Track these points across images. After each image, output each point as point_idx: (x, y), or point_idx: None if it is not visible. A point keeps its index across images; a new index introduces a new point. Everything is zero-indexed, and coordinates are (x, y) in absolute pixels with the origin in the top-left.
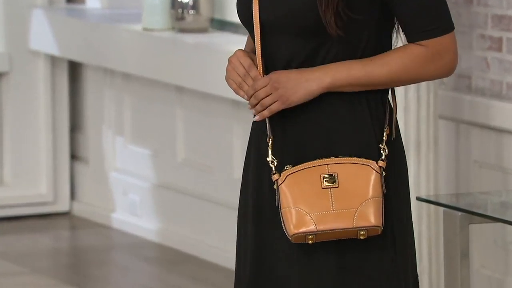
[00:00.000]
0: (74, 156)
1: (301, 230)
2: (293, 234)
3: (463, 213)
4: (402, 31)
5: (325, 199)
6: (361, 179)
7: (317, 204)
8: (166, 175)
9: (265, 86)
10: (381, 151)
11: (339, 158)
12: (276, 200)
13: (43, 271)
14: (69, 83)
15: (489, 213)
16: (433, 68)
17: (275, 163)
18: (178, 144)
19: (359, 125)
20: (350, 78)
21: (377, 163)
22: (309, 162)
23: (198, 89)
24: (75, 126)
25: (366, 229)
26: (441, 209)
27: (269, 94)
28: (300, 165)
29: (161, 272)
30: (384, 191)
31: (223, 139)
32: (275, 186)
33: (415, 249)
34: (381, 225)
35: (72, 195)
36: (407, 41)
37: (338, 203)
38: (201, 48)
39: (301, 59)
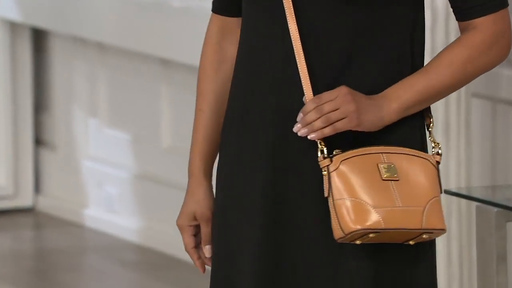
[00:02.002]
0: (39, 141)
1: (366, 225)
2: (352, 232)
3: (500, 209)
4: (452, 7)
5: (388, 193)
6: (422, 174)
7: (381, 198)
8: (148, 164)
9: (332, 100)
10: (432, 143)
11: (393, 147)
12: (326, 190)
13: (3, 277)
14: (33, 54)
15: None
16: (495, 53)
17: (323, 146)
18: (163, 127)
19: (407, 121)
20: (417, 95)
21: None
22: (362, 148)
23: (187, 63)
24: (40, 105)
25: (432, 232)
26: (474, 204)
27: (337, 109)
28: (352, 151)
29: (142, 278)
30: (442, 190)
31: None
32: (324, 173)
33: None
34: (446, 229)
35: (37, 188)
36: (457, 19)
37: (403, 198)
38: (190, 14)
39: (348, 42)
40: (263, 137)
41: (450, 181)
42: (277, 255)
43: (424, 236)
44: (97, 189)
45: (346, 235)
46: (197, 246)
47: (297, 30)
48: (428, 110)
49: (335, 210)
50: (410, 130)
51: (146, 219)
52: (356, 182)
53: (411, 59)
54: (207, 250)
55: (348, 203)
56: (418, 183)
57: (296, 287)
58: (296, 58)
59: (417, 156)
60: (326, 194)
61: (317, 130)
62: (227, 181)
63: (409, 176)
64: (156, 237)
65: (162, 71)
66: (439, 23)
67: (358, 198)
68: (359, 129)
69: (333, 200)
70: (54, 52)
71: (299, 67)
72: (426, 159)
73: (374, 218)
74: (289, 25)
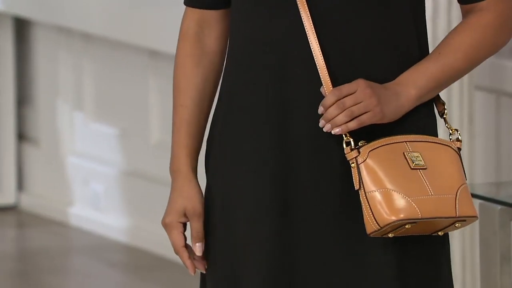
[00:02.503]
0: (21, 136)
1: (401, 216)
2: (388, 224)
3: (504, 207)
4: None
5: (419, 182)
6: (447, 161)
7: (413, 187)
8: (136, 160)
9: (352, 93)
10: (449, 130)
11: (415, 136)
12: (356, 182)
13: None
14: (15, 45)
15: None
16: (503, 35)
17: (349, 137)
18: (152, 121)
19: (423, 106)
20: (431, 81)
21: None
22: (386, 138)
23: None
24: (22, 99)
25: (465, 220)
26: (477, 201)
27: (359, 102)
28: (377, 141)
29: (131, 280)
30: (466, 176)
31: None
32: (353, 165)
33: None
34: (478, 216)
35: (20, 185)
36: (460, 2)
37: (434, 187)
38: (180, 3)
39: (360, 34)
40: (264, 133)
41: None
42: (289, 255)
43: (457, 224)
44: (83, 186)
45: (381, 227)
46: (187, 245)
47: (311, 23)
48: (439, 97)
49: (368, 203)
50: (425, 118)
51: (134, 217)
52: (387, 172)
53: (418, 45)
54: (198, 248)
55: (380, 194)
56: (445, 171)
57: (315, 284)
58: (312, 49)
59: (440, 143)
60: (356, 187)
61: (340, 124)
62: (226, 179)
63: (436, 164)
64: (145, 237)
65: (150, 63)
66: (441, 12)
67: (389, 189)
68: (383, 122)
69: (365, 192)
70: (37, 43)
71: (315, 58)
72: (449, 145)
73: (410, 208)
74: (302, 16)
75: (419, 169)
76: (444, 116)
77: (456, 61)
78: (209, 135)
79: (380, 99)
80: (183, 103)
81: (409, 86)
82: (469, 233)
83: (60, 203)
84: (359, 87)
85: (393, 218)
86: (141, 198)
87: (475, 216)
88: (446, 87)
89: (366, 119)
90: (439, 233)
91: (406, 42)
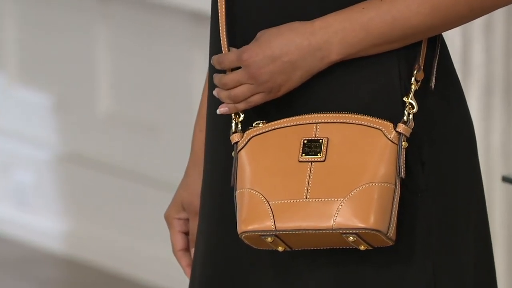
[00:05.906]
0: None
1: (249, 228)
2: (242, 233)
3: None
4: None
5: (299, 180)
6: (365, 151)
7: (284, 187)
8: (78, 140)
9: (236, 72)
10: (405, 108)
11: (335, 115)
12: (232, 175)
13: None
14: None
15: None
16: None
17: (241, 117)
18: (100, 87)
19: (377, 63)
20: (370, 39)
21: (395, 126)
22: (290, 118)
23: None
24: None
25: (356, 233)
26: None
27: (244, 83)
28: (275, 122)
29: None
30: (402, 175)
31: (176, 77)
32: (233, 153)
33: (495, 277)
34: (385, 230)
35: None
36: None
37: (317, 188)
38: None
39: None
40: (208, 121)
41: (511, 165)
42: (218, 271)
43: (350, 238)
44: (3, 176)
45: (241, 236)
46: (188, 248)
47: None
48: (430, 60)
49: (235, 203)
50: (382, 87)
51: (75, 219)
52: (262, 166)
53: None
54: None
55: (246, 195)
56: (353, 164)
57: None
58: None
59: (367, 126)
60: (232, 182)
61: (225, 104)
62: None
63: (343, 154)
64: (89, 246)
65: (99, 6)
66: None
67: (250, 189)
68: (285, 93)
69: (235, 189)
70: None
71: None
72: (379, 129)
73: (263, 217)
74: (220, 16)
75: (311, 162)
76: (416, 79)
77: (418, 16)
78: None
79: (274, 76)
80: (202, 128)
81: (333, 42)
82: None
83: None
84: (241, 62)
85: (249, 227)
86: (85, 192)
87: (368, 229)
88: (396, 47)
89: (258, 100)
90: (360, 247)
91: None
